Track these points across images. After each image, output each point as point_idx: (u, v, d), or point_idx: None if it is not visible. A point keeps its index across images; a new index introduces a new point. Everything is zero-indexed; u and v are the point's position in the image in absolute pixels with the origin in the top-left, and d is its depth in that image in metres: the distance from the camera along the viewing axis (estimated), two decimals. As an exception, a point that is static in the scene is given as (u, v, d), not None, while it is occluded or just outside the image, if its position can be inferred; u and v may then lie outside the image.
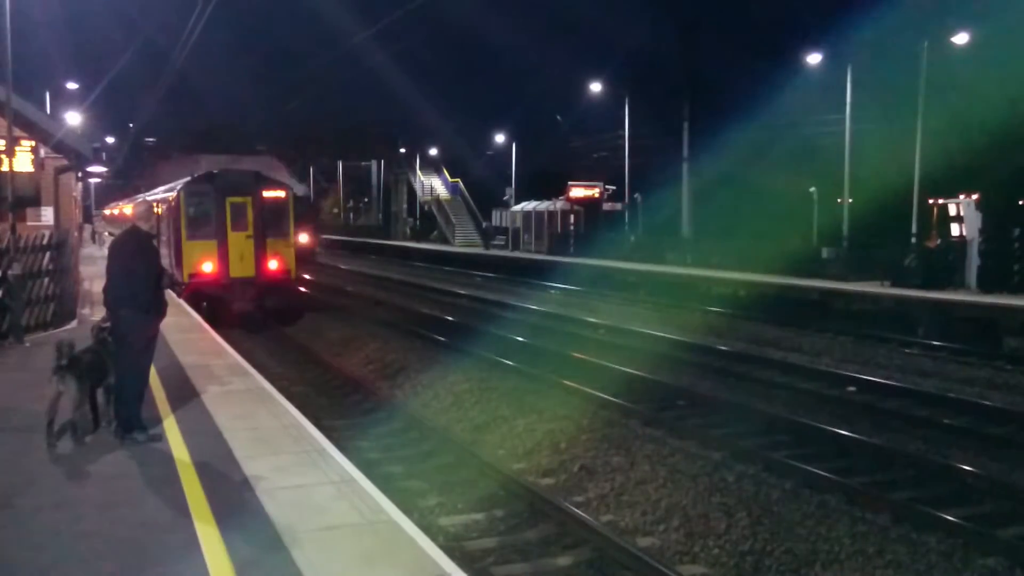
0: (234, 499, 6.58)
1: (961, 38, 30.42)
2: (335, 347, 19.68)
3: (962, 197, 26.20)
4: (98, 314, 12.17)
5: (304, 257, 45.18)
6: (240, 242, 22.24)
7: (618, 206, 47.02)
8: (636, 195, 45.14)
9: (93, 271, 25.15)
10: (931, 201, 29.23)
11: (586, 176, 51.24)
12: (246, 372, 12.05)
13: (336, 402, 14.50)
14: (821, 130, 41.41)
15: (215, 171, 24.04)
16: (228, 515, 6.18)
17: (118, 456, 7.77)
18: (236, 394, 10.48)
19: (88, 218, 63.40)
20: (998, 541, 7.94)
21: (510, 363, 16.02)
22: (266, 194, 22.75)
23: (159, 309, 8.40)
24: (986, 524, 8.33)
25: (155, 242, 8.90)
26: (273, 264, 22.62)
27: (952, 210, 26.52)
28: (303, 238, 45.99)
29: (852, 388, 14.44)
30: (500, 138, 63.10)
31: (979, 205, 24.31)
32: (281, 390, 11.21)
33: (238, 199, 22.32)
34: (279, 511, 6.25)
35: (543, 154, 63.82)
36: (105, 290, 8.33)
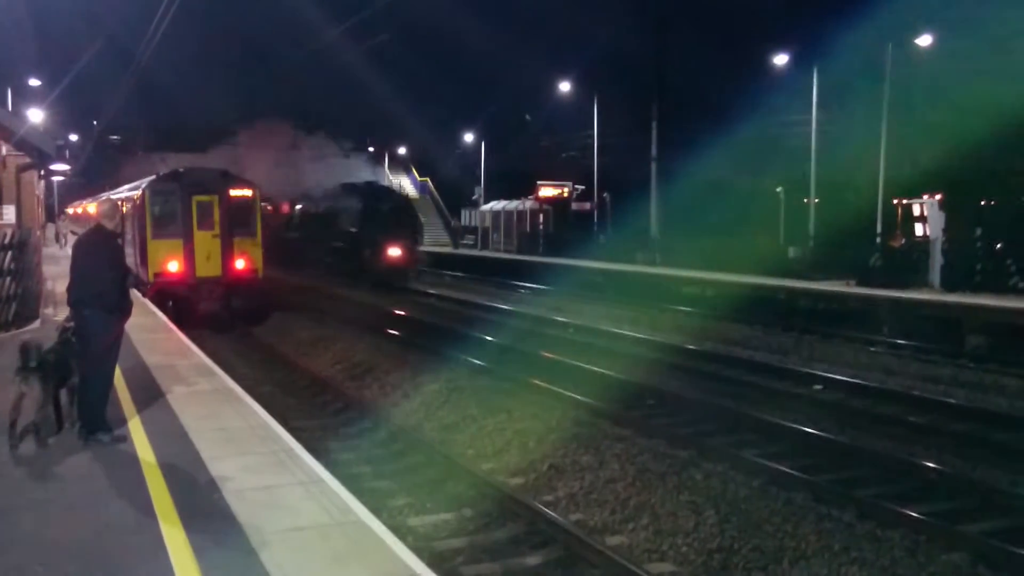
0: (201, 500, 6.52)
1: (925, 40, 30.81)
2: (303, 347, 19.57)
3: (926, 197, 26.58)
4: (62, 314, 12.00)
5: (391, 277, 32.51)
6: (206, 241, 22.04)
7: (587, 205, 47.16)
8: (605, 194, 45.29)
9: (56, 271, 24.78)
10: (895, 201, 29.59)
11: (555, 175, 51.31)
12: (212, 372, 11.94)
13: (304, 402, 14.43)
14: (789, 130, 41.76)
15: (180, 169, 23.84)
16: (194, 517, 6.12)
17: (82, 458, 7.66)
18: (202, 394, 10.38)
19: (51, 217, 62.45)
20: (961, 537, 8.06)
21: (479, 363, 16.00)
22: (233, 192, 22.56)
23: (124, 309, 8.29)
24: (949, 520, 8.44)
25: (120, 241, 8.80)
26: (240, 263, 22.43)
27: (916, 210, 26.88)
28: (394, 252, 32.83)
29: (819, 386, 14.58)
30: (469, 137, 63.03)
31: (942, 205, 24.66)
32: (248, 390, 11.10)
33: (204, 198, 22.12)
34: (247, 512, 6.20)
35: (512, 153, 63.81)
36: (69, 290, 8.22)
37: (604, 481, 9.81)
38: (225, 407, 9.71)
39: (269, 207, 42.14)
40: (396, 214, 34.06)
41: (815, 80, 32.45)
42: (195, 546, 5.58)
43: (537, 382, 14.25)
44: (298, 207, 41.41)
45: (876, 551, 7.89)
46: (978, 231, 22.72)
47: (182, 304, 21.61)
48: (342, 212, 35.61)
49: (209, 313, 22.00)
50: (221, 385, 11.04)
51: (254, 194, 23.18)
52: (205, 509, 6.31)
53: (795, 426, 11.62)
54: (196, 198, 22.04)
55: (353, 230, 33.84)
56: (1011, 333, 17.79)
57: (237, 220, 22.47)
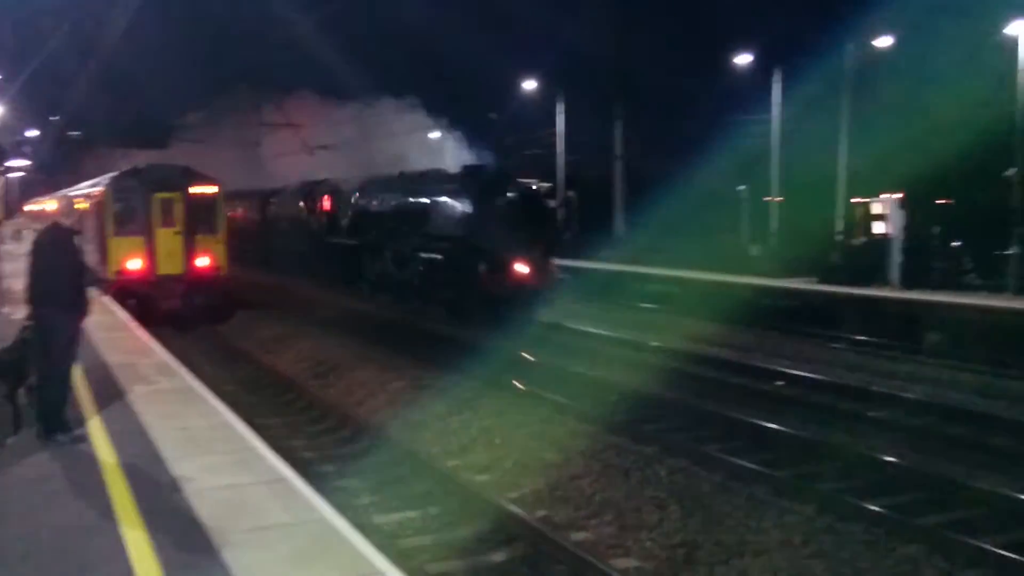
0: (162, 501, 6.46)
1: (884, 41, 31.17)
2: (267, 345, 19.42)
3: (885, 196, 26.85)
4: (19, 313, 11.82)
5: (517, 303, 21.31)
6: (168, 238, 21.83)
7: (552, 203, 47.14)
8: (570, 192, 45.33)
9: (14, 268, 24.37)
10: (854, 200, 29.87)
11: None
12: (174, 371, 11.82)
13: (267, 401, 14.33)
14: (752, 129, 42.14)
15: (141, 166, 23.60)
16: (156, 517, 6.07)
17: (41, 458, 7.57)
18: (164, 393, 10.28)
19: (9, 214, 61.32)
20: (918, 529, 8.20)
21: (444, 360, 15.98)
22: (195, 190, 22.35)
23: (82, 307, 8.20)
24: (907, 513, 8.58)
25: (77, 239, 8.69)
26: (202, 261, 22.23)
27: (876, 209, 27.16)
28: (522, 267, 21.63)
29: (781, 382, 14.74)
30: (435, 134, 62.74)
31: (902, 204, 24.96)
32: (211, 389, 11.02)
33: (166, 195, 21.90)
34: (209, 512, 6.16)
35: (476, 150, 63.70)
36: (27, 288, 8.11)
37: (569, 477, 9.85)
38: (187, 406, 9.63)
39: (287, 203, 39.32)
40: (526, 211, 23.00)
41: (777, 79, 32.78)
42: (157, 547, 5.53)
43: (502, 379, 14.26)
44: (352, 200, 29.58)
45: (836, 544, 8.01)
46: (936, 230, 23.05)
47: (143, 302, 21.35)
48: (438, 209, 24.38)
49: (171, 311, 21.76)
50: (183, 384, 10.94)
51: (217, 191, 22.98)
52: (167, 509, 6.26)
53: (757, 422, 11.74)
54: (158, 195, 21.82)
55: (459, 235, 22.60)
56: (966, 329, 18.09)
57: (200, 217, 22.26)
